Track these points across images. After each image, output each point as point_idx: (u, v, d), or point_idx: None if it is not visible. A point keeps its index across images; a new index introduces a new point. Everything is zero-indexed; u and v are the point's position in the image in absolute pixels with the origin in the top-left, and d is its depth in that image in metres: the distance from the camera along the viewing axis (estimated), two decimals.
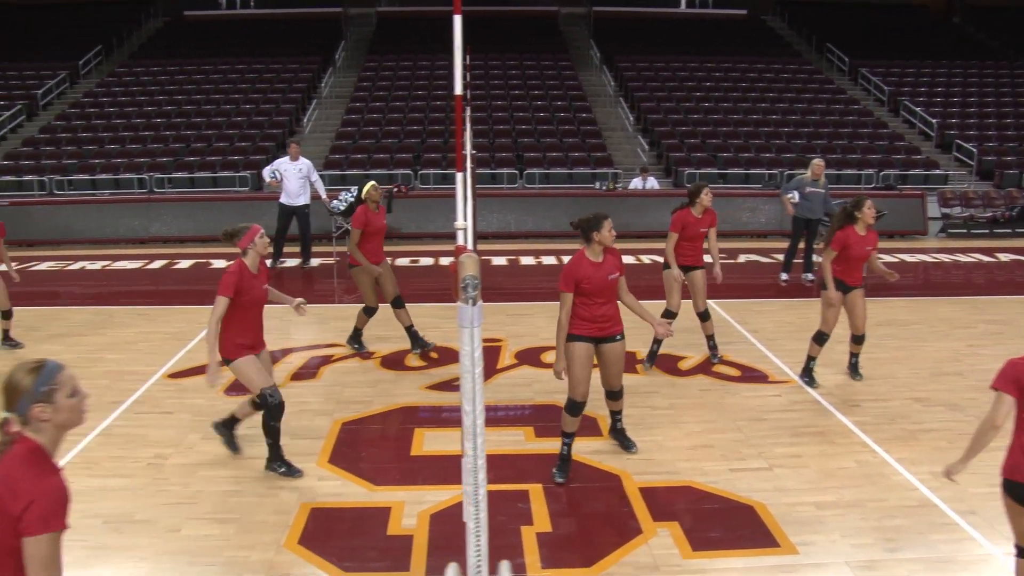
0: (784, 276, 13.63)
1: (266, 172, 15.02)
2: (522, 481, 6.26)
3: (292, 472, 6.40)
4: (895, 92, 26.30)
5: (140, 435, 7.16)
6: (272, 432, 6.37)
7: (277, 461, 6.43)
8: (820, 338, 8.45)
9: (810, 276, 13.38)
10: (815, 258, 13.42)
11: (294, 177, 14.67)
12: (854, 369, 8.74)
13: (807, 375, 8.54)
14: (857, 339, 8.62)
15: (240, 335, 6.27)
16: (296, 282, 13.91)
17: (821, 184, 13.08)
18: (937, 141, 23.93)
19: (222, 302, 6.12)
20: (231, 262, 6.36)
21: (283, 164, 14.75)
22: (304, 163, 14.89)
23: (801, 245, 13.42)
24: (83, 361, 9.29)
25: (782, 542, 5.40)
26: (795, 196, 13.14)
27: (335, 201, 15.04)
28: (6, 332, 9.91)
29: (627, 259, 15.32)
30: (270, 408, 6.29)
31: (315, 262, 15.22)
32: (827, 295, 8.25)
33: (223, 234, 6.45)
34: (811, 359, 8.56)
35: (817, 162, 13.21)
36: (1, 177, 20.73)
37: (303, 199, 14.85)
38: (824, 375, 8.66)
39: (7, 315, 9.89)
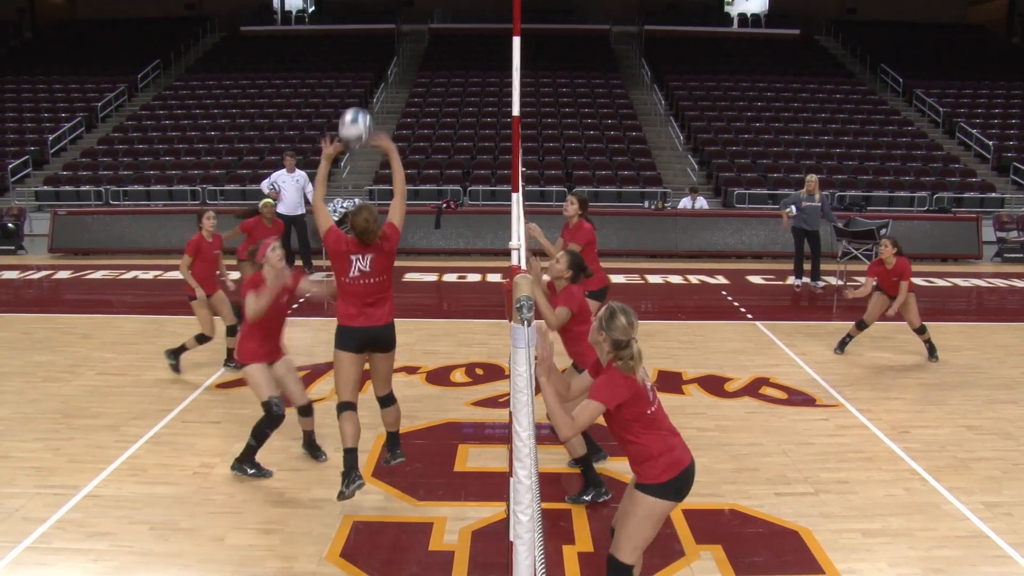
0: (796, 281, 14.98)
1: (264, 184, 15.49)
2: (565, 500, 6.23)
3: (262, 473, 6.58)
4: (950, 113, 25.92)
5: (188, 443, 7.25)
6: (261, 437, 6.55)
7: (248, 463, 6.59)
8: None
9: (821, 284, 14.71)
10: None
11: (292, 188, 15.26)
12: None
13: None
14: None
15: (259, 342, 6.57)
16: None
17: (817, 199, 14.42)
18: (994, 163, 23.53)
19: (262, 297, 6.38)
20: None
21: (281, 176, 15.32)
22: (300, 175, 15.50)
23: (809, 252, 14.79)
24: (134, 369, 9.44)
25: (827, 569, 5.31)
26: (793, 210, 14.48)
27: (334, 212, 15.95)
28: (231, 351, 9.36)
29: (675, 279, 15.34)
30: (272, 417, 6.48)
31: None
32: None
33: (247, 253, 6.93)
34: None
35: (811, 177, 14.66)
36: (60, 187, 21.24)
37: (300, 209, 15.42)
38: (875, 400, 8.54)
39: (230, 332, 9.49)
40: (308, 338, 10.98)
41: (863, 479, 6.64)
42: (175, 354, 9.29)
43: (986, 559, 5.44)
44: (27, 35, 33.42)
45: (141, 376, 9.17)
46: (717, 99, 26.79)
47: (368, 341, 5.98)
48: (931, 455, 7.14)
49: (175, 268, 16.21)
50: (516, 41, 4.38)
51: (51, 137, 23.99)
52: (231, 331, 9.42)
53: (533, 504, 2.90)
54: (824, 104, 26.54)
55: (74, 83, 27.66)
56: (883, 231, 14.98)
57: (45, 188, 21.33)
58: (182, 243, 17.56)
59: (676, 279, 15.53)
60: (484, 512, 6.00)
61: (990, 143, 23.88)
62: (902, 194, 20.96)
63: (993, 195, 21.34)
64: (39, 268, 16.30)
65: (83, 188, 21.02)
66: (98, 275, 15.60)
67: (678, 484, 4.29)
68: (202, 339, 9.28)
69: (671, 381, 9.16)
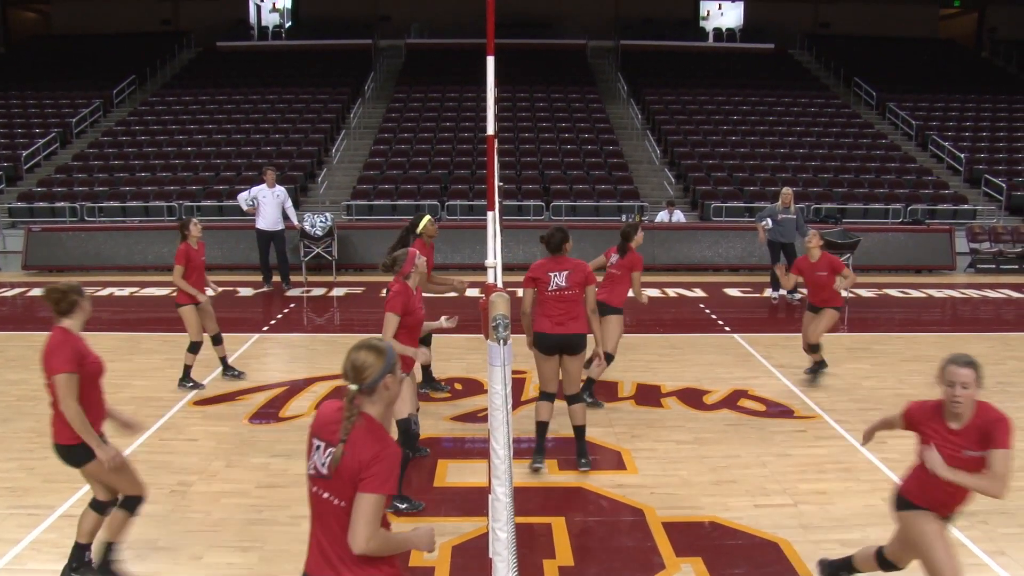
0: (774, 294, 14.98)
1: (242, 199, 15.38)
2: (545, 514, 6.23)
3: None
4: (923, 126, 26.20)
5: (165, 462, 7.19)
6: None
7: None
8: None
9: (798, 296, 14.49)
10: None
11: (272, 204, 15.21)
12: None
13: None
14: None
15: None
16: (321, 309, 13.98)
17: (792, 211, 14.56)
18: (966, 175, 23.78)
19: (393, 319, 6.24)
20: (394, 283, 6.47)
21: (261, 191, 15.23)
22: (280, 190, 15.45)
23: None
24: (109, 387, 9.25)
25: None
26: (768, 223, 14.67)
27: (313, 227, 16.32)
28: (223, 360, 9.72)
29: (652, 292, 15.36)
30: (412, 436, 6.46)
31: (340, 291, 15.31)
32: None
33: (383, 267, 6.54)
34: None
35: (786, 190, 14.82)
36: (34, 203, 21.06)
37: (280, 225, 15.40)
38: (852, 411, 8.59)
39: (216, 340, 9.60)
40: (286, 354, 10.93)
41: (841, 490, 6.68)
42: (187, 378, 9.34)
43: (963, 567, 5.47)
44: (0, 50, 33.18)
45: (116, 394, 9.06)
46: (693, 113, 26.96)
47: None
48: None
49: (151, 284, 16.22)
50: (490, 61, 4.38)
51: (25, 153, 23.78)
52: (217, 339, 9.54)
53: (510, 521, 2.90)
54: (799, 118, 26.76)
55: (48, 98, 27.46)
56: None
57: (19, 204, 21.13)
58: (158, 259, 17.79)
59: (654, 292, 15.56)
60: (464, 527, 5.98)
61: (962, 155, 24.15)
62: (876, 206, 21.15)
63: (965, 207, 21.57)
64: (12, 285, 16.14)
65: (58, 204, 20.84)
66: None
67: None
68: (195, 348, 9.29)
69: (650, 394, 9.18)
